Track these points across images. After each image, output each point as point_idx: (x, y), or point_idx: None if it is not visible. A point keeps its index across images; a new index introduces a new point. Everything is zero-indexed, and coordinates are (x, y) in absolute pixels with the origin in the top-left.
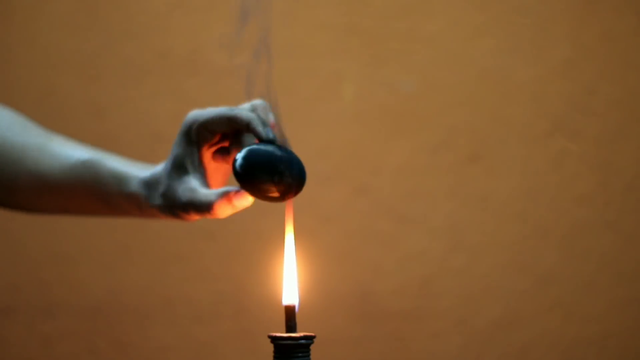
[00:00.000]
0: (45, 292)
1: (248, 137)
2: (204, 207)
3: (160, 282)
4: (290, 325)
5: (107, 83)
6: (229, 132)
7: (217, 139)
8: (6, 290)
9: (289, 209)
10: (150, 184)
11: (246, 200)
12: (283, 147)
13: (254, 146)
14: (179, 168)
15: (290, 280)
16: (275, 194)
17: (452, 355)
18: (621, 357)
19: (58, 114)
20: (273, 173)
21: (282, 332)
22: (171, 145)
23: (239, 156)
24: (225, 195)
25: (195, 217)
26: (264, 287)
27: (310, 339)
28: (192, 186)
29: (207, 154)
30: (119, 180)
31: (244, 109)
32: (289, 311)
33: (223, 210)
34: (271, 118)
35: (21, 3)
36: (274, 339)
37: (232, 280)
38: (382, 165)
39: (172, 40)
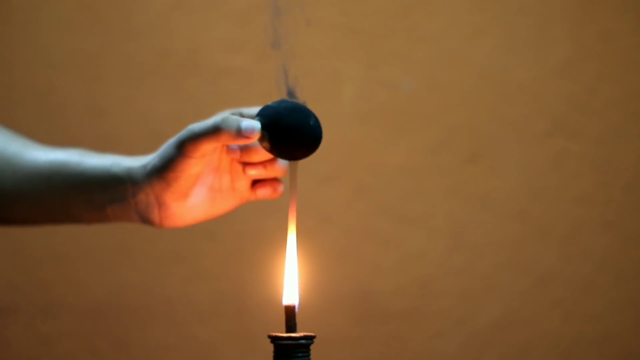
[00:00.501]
0: (45, 292)
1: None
2: (209, 124)
3: (160, 282)
4: (290, 325)
5: (107, 83)
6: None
7: None
8: (6, 290)
9: (292, 208)
10: (141, 160)
11: (253, 137)
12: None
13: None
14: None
15: (290, 280)
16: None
17: (452, 355)
18: (621, 357)
19: (58, 114)
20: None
21: (282, 332)
22: None
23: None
24: (235, 122)
25: (176, 173)
26: (265, 287)
27: (310, 339)
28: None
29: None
30: (104, 157)
31: None
32: (289, 311)
33: (228, 125)
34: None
35: (21, 3)
36: (274, 339)
37: (233, 280)
38: (382, 165)
39: (172, 40)
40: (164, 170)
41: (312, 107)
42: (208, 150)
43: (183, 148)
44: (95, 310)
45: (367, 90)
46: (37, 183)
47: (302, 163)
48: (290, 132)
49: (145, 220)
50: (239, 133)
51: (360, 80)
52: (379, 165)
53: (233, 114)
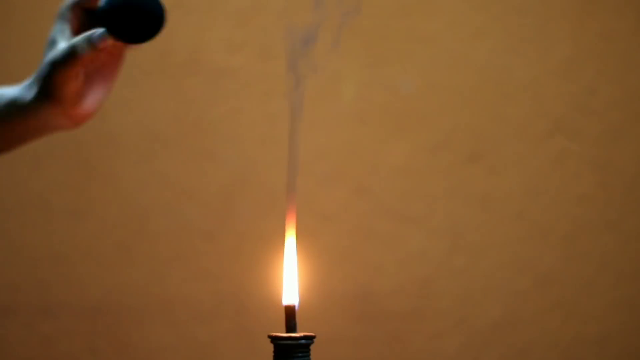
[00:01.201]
0: (45, 292)
1: None
2: (66, 54)
3: (160, 282)
4: (290, 325)
5: None
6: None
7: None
8: (6, 290)
9: (291, 208)
10: (29, 84)
11: (105, 38)
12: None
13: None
14: (51, 44)
15: (290, 280)
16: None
17: (452, 355)
18: (621, 357)
19: None
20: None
21: (282, 332)
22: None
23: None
24: (87, 39)
25: (62, 93)
26: (264, 287)
27: (310, 339)
28: (59, 46)
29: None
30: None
31: None
32: (289, 311)
33: (82, 48)
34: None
35: (21, 3)
36: (273, 339)
37: (232, 280)
38: (382, 165)
39: (172, 40)
40: (45, 92)
41: (313, 107)
42: (77, 73)
43: (55, 70)
44: (95, 310)
45: (367, 90)
46: None
47: (302, 163)
48: (130, 13)
49: (58, 129)
50: (94, 47)
51: (360, 80)
52: (379, 165)
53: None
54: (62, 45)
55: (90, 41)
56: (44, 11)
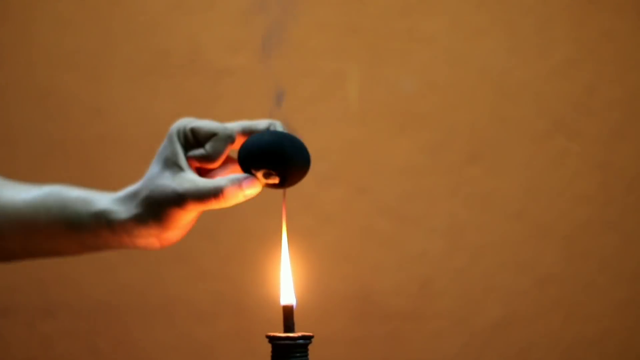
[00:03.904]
0: (45, 292)
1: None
2: (211, 193)
3: (160, 282)
4: (288, 325)
5: (107, 83)
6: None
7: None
8: (6, 290)
9: (283, 209)
10: (123, 199)
11: (255, 187)
12: (283, 134)
13: (256, 135)
14: (172, 166)
15: (287, 280)
16: (276, 181)
17: (452, 355)
18: (621, 357)
19: (58, 114)
20: (273, 162)
21: (281, 332)
22: None
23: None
24: (236, 180)
25: (176, 224)
26: (264, 287)
27: (308, 339)
28: (191, 178)
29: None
30: (86, 201)
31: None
32: (287, 311)
33: (233, 196)
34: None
35: (20, 2)
36: (271, 339)
37: (232, 280)
38: (382, 165)
39: (172, 40)
40: (153, 217)
41: (313, 107)
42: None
43: (186, 205)
44: (95, 310)
45: (367, 90)
46: (20, 215)
47: None
48: (298, 166)
49: (139, 248)
50: (245, 196)
51: (360, 80)
52: (379, 165)
53: (244, 130)
54: (198, 179)
55: (240, 185)
56: (43, 10)
